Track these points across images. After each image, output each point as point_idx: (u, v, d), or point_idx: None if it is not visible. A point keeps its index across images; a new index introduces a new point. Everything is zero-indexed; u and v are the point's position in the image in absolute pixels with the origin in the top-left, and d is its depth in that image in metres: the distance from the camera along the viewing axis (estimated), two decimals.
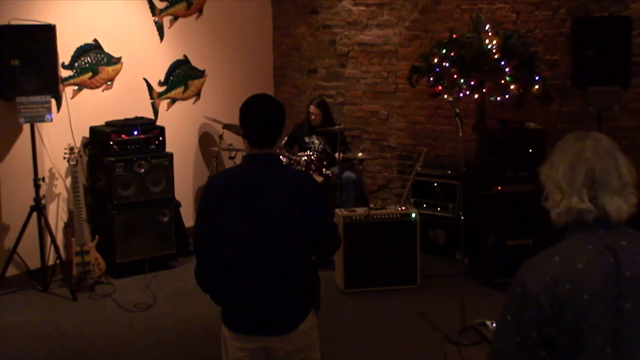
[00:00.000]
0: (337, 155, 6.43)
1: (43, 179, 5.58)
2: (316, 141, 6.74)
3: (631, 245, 1.89)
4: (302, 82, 7.76)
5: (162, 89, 6.71)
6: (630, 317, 1.84)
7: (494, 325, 4.59)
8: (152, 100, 6.63)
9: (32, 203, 5.47)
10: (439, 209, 6.28)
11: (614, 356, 1.84)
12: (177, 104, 6.87)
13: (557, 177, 1.91)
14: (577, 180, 1.87)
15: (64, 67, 5.84)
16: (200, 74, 7.06)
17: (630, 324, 1.85)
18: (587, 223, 1.88)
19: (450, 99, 5.84)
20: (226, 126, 6.61)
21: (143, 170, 5.94)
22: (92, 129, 6.01)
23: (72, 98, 5.93)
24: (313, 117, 6.71)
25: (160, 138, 6.11)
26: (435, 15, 6.73)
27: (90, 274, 5.63)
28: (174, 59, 6.80)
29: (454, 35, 5.96)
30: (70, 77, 5.92)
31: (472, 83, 5.76)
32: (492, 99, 5.86)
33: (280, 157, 5.79)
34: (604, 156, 1.89)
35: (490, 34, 5.79)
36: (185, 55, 6.89)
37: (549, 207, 1.96)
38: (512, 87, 5.63)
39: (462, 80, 5.76)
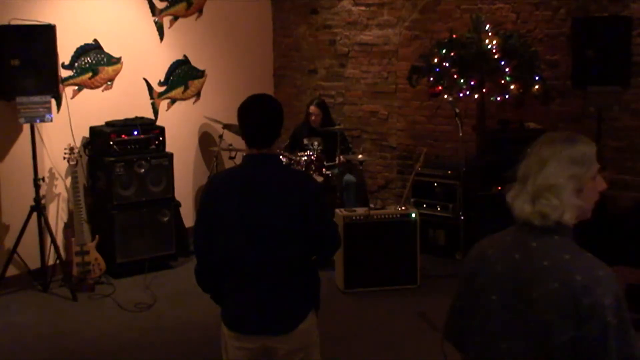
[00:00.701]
0: (337, 157, 6.41)
1: (43, 179, 5.58)
2: (315, 142, 6.72)
3: (541, 249, 1.84)
4: (302, 82, 7.76)
5: (162, 89, 6.71)
6: (524, 320, 1.82)
7: None
8: (152, 100, 6.63)
9: (32, 203, 5.46)
10: (439, 209, 6.28)
11: (507, 351, 1.87)
12: (177, 104, 6.87)
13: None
14: (520, 170, 1.91)
15: (64, 67, 5.84)
16: (200, 74, 7.06)
17: (522, 327, 1.82)
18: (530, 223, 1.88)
19: (450, 99, 5.85)
20: (226, 126, 6.61)
21: (143, 170, 5.93)
22: (92, 129, 6.01)
23: (72, 98, 5.93)
24: (313, 117, 6.70)
25: (160, 138, 6.11)
26: (435, 15, 6.73)
27: (90, 274, 5.63)
28: (174, 59, 6.80)
29: (454, 35, 5.96)
30: (70, 77, 5.92)
31: (472, 83, 5.76)
32: (492, 99, 5.86)
33: (280, 157, 5.79)
34: (539, 154, 1.88)
35: (490, 34, 5.80)
36: (185, 55, 6.89)
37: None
38: (512, 87, 5.63)
39: (462, 80, 5.76)
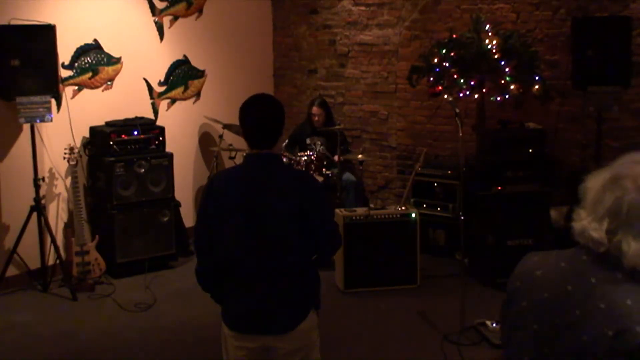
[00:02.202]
0: (336, 157, 6.42)
1: (43, 179, 5.58)
2: (317, 142, 6.73)
3: (600, 287, 1.61)
4: (302, 82, 7.76)
5: (162, 89, 6.71)
6: (564, 350, 1.65)
7: (494, 325, 4.60)
8: (152, 100, 6.63)
9: (32, 203, 5.47)
10: (439, 209, 6.28)
11: None
12: (177, 104, 6.87)
13: (588, 194, 1.67)
14: (603, 206, 1.61)
15: (64, 67, 5.84)
16: (200, 74, 7.06)
17: (559, 355, 1.67)
18: (593, 252, 1.64)
19: (450, 99, 5.84)
20: (226, 126, 6.61)
21: (143, 170, 5.93)
22: (92, 129, 6.01)
23: (72, 98, 5.93)
24: (316, 117, 6.70)
25: (160, 138, 6.11)
26: (435, 15, 6.73)
27: (90, 274, 5.63)
28: (174, 59, 6.80)
29: (454, 35, 5.96)
30: (70, 77, 5.92)
31: (472, 83, 5.76)
32: (492, 99, 5.86)
33: (281, 157, 5.78)
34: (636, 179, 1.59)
35: (490, 34, 5.79)
36: (185, 55, 6.89)
37: (573, 219, 1.74)
38: (512, 87, 5.63)
39: (462, 80, 5.76)
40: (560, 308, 1.65)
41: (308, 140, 6.76)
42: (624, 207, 1.56)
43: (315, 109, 6.71)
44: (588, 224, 1.62)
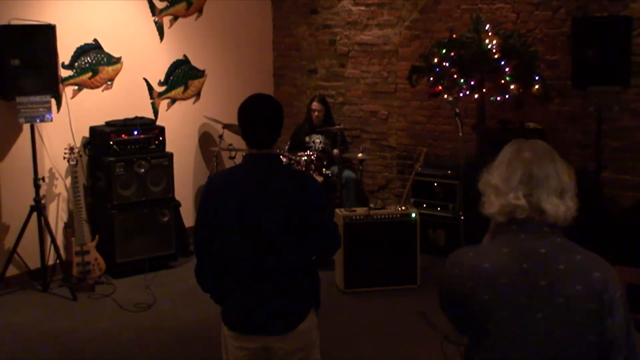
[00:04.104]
0: (335, 151, 6.41)
1: (43, 179, 5.58)
2: (317, 140, 6.73)
3: (551, 254, 1.82)
4: (302, 82, 7.76)
5: (162, 89, 6.71)
6: (543, 327, 1.80)
7: None
8: (152, 100, 6.63)
9: (32, 203, 5.46)
10: (439, 209, 6.28)
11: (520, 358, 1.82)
12: (177, 104, 6.87)
13: (495, 178, 1.89)
14: (514, 177, 1.84)
15: (64, 67, 5.84)
16: (200, 74, 7.06)
17: (540, 334, 1.80)
18: (517, 223, 1.84)
19: (450, 99, 5.85)
20: (226, 126, 6.61)
21: (143, 170, 5.93)
22: (92, 129, 6.01)
23: (72, 98, 5.93)
24: (316, 113, 6.70)
25: (160, 138, 6.11)
26: (435, 15, 6.73)
27: (90, 274, 5.63)
28: (174, 59, 6.80)
29: (454, 35, 5.96)
30: (70, 77, 5.92)
31: (472, 83, 5.76)
32: (492, 99, 5.86)
33: (281, 157, 5.79)
34: (542, 157, 1.87)
35: (490, 34, 5.79)
36: (185, 55, 6.89)
37: (484, 210, 1.93)
38: (512, 87, 5.63)
39: (462, 80, 5.76)
40: (524, 286, 1.79)
41: (307, 139, 6.76)
42: (534, 172, 1.83)
43: (315, 104, 6.71)
44: (505, 198, 1.83)
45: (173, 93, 6.82)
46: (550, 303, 1.78)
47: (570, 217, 1.84)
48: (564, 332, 1.78)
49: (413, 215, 5.55)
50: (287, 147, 6.74)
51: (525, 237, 1.83)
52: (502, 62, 5.63)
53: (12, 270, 5.55)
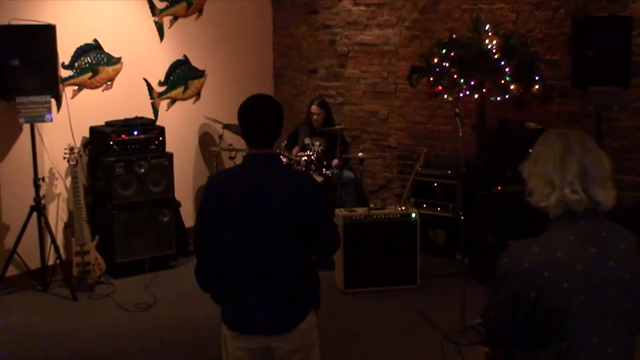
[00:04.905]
0: (335, 161, 6.40)
1: (43, 179, 5.58)
2: (316, 143, 6.72)
3: (611, 236, 1.96)
4: (302, 82, 7.76)
5: (162, 89, 6.71)
6: (615, 304, 1.91)
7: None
8: (152, 100, 6.63)
9: (32, 203, 5.46)
10: (439, 209, 6.28)
11: (598, 345, 1.90)
12: (177, 104, 6.87)
13: (547, 170, 1.96)
14: (570, 172, 1.92)
15: (64, 67, 5.84)
16: (200, 74, 7.06)
17: (614, 311, 1.91)
18: (574, 214, 1.93)
19: (450, 99, 5.84)
20: (226, 126, 6.61)
21: (143, 170, 5.93)
22: (92, 129, 6.01)
23: (72, 98, 5.93)
24: (315, 117, 6.69)
25: (160, 138, 6.11)
26: (435, 15, 6.73)
27: (90, 274, 5.63)
28: (174, 59, 6.80)
29: (454, 35, 5.96)
30: (70, 77, 5.92)
31: (472, 83, 5.76)
32: (492, 99, 5.85)
33: (281, 157, 5.78)
34: (590, 149, 1.96)
35: (490, 34, 5.79)
36: (185, 55, 6.89)
37: (534, 202, 2.00)
38: (512, 87, 5.63)
39: (462, 80, 5.75)
40: (597, 269, 1.90)
41: (307, 141, 6.75)
42: (587, 167, 1.92)
43: (314, 108, 6.69)
44: (561, 192, 1.92)
45: (173, 93, 6.82)
46: (619, 280, 1.91)
47: (614, 202, 1.96)
48: (630, 304, 1.93)
49: (413, 215, 5.55)
50: (283, 144, 6.71)
51: (585, 224, 1.94)
52: (502, 62, 5.62)
53: (12, 270, 5.55)
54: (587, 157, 1.93)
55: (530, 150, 2.06)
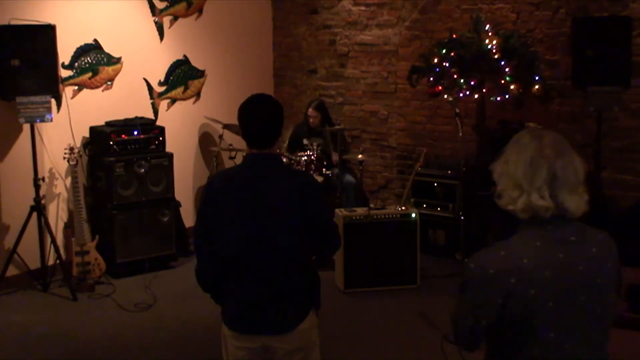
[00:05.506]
0: (334, 157, 6.40)
1: (43, 179, 5.58)
2: (314, 143, 6.71)
3: (581, 240, 1.92)
4: (302, 82, 7.76)
5: (162, 89, 6.71)
6: (587, 309, 1.88)
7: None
8: (152, 100, 6.63)
9: (32, 203, 5.46)
10: (439, 209, 6.27)
11: (571, 351, 1.88)
12: (177, 104, 6.87)
13: (516, 174, 1.90)
14: (539, 177, 1.87)
15: (64, 67, 5.84)
16: (200, 74, 7.06)
17: (586, 316, 1.88)
18: (541, 219, 1.89)
19: (450, 99, 5.85)
20: (226, 126, 6.61)
21: (143, 170, 5.93)
22: (92, 129, 6.01)
23: (72, 98, 5.93)
24: (311, 119, 6.69)
25: (160, 138, 6.10)
26: (435, 15, 6.73)
27: (90, 274, 5.63)
28: (174, 59, 6.80)
29: (454, 35, 5.96)
30: (70, 77, 5.92)
31: (472, 83, 5.76)
32: (492, 99, 5.86)
33: (281, 157, 5.78)
34: (562, 154, 1.90)
35: (490, 34, 5.79)
36: (185, 55, 6.89)
37: (503, 204, 1.96)
38: (512, 87, 5.63)
39: (462, 80, 5.75)
40: (565, 275, 1.86)
41: (305, 141, 6.75)
42: (558, 172, 1.86)
43: (310, 111, 6.69)
44: (528, 198, 1.87)
45: (173, 93, 6.82)
46: (590, 285, 1.88)
47: (585, 209, 1.91)
48: (602, 308, 1.91)
49: (413, 215, 5.55)
50: (285, 146, 6.73)
51: (552, 228, 1.89)
52: (502, 62, 5.63)
53: (12, 270, 5.54)
54: (557, 161, 1.87)
55: (503, 149, 2.00)
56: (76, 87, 5.98)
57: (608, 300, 1.93)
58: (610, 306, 1.94)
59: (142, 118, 6.19)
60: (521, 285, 1.84)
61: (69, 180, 5.88)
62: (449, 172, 6.24)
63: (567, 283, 1.86)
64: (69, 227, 5.89)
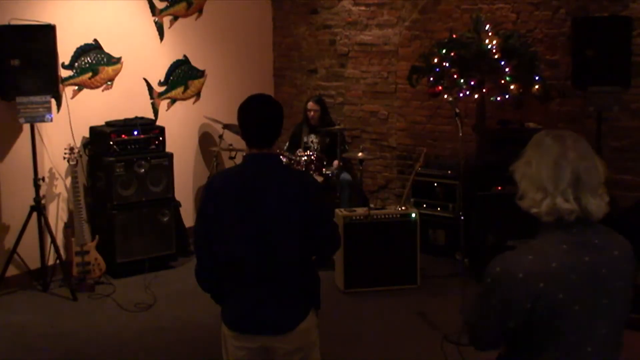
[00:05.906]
0: (336, 162, 6.39)
1: (43, 179, 5.58)
2: (314, 140, 6.72)
3: (604, 243, 1.92)
4: (302, 82, 7.76)
5: (162, 89, 6.71)
6: (608, 312, 1.89)
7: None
8: (152, 100, 6.63)
9: (32, 203, 5.46)
10: (439, 209, 6.28)
11: (592, 353, 1.89)
12: (177, 104, 6.87)
13: (540, 176, 1.90)
14: (563, 180, 1.87)
15: (64, 67, 5.84)
16: (200, 74, 7.06)
17: (607, 318, 1.90)
18: (566, 222, 1.89)
19: (450, 99, 5.84)
20: (226, 126, 6.61)
21: (143, 170, 5.93)
22: (92, 129, 6.01)
23: (72, 98, 5.93)
24: (312, 113, 6.70)
25: (160, 138, 6.11)
26: (435, 15, 6.73)
27: (90, 274, 5.63)
28: (174, 59, 6.80)
29: (454, 35, 5.96)
30: (70, 77, 5.92)
31: (472, 83, 5.76)
32: (492, 99, 5.86)
33: (280, 157, 5.78)
34: (585, 156, 1.90)
35: (490, 34, 5.79)
36: (185, 55, 6.89)
37: (525, 206, 1.95)
38: (512, 87, 5.63)
39: (462, 80, 5.76)
40: (590, 278, 1.88)
41: (305, 139, 6.75)
42: (581, 175, 1.87)
43: (310, 105, 6.71)
44: (553, 201, 1.88)
45: (173, 93, 6.82)
46: (612, 288, 1.90)
47: (606, 210, 1.92)
48: (623, 310, 1.94)
49: (413, 215, 5.55)
50: (285, 146, 6.74)
51: (577, 231, 1.90)
52: (502, 62, 5.63)
53: (12, 270, 5.55)
54: (581, 164, 1.88)
55: (524, 150, 2.00)
56: (76, 87, 5.98)
57: (626, 303, 1.95)
58: (627, 309, 1.96)
59: (142, 118, 6.19)
60: (550, 289, 1.85)
61: (69, 180, 5.88)
62: (449, 172, 6.24)
63: (592, 286, 1.87)
64: (69, 227, 5.89)
